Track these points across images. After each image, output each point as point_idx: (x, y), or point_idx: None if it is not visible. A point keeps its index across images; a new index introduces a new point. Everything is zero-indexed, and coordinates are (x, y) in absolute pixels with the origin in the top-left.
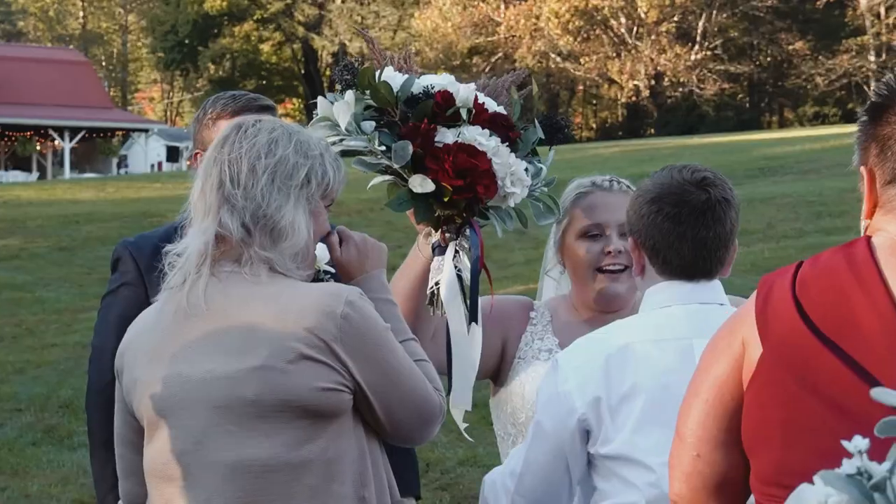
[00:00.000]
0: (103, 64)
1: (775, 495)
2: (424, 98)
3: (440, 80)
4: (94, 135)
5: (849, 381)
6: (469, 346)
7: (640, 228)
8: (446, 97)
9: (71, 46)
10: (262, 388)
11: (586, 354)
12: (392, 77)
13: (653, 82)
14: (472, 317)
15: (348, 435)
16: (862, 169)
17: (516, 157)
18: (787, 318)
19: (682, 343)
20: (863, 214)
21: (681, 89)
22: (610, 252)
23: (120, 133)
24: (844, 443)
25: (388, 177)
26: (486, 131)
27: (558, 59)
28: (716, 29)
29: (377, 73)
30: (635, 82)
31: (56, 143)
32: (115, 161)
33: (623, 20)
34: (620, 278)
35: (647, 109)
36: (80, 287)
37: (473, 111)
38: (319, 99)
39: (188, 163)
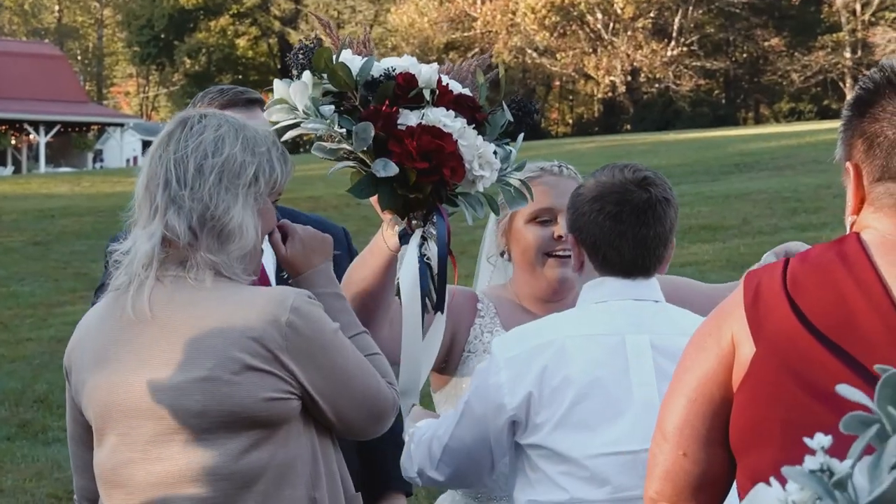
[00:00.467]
0: (79, 58)
1: None
2: (385, 80)
3: (401, 63)
4: (70, 129)
5: (850, 381)
6: (423, 339)
7: (581, 226)
8: (408, 78)
9: (46, 40)
10: (208, 400)
11: (520, 346)
12: (350, 60)
13: (629, 78)
14: (439, 306)
15: (298, 439)
16: (848, 164)
17: (484, 140)
18: (781, 316)
19: (615, 338)
20: (848, 210)
21: (657, 85)
22: (561, 237)
23: (95, 127)
24: (807, 440)
25: (349, 163)
26: (451, 112)
27: (534, 54)
28: (692, 25)
29: (334, 57)
30: (611, 78)
31: (31, 137)
32: (90, 155)
33: (599, 16)
34: (570, 263)
35: (623, 105)
36: (56, 281)
37: (437, 93)
38: (275, 81)
39: None
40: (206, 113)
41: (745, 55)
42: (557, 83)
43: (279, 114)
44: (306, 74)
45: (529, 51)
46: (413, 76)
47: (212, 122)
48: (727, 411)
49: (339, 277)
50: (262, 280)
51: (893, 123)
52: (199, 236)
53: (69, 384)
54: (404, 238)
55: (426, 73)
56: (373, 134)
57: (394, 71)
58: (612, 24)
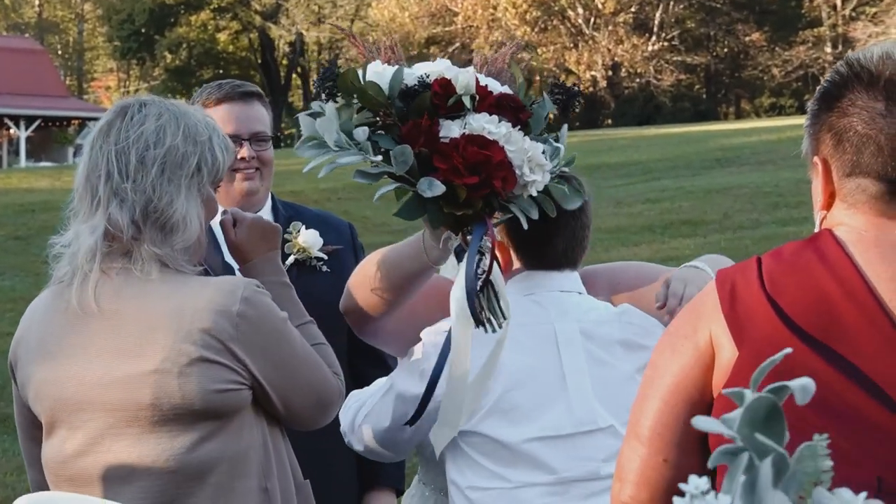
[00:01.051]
0: (59, 52)
1: None
2: (420, 90)
3: (435, 67)
4: (50, 123)
5: (839, 383)
6: (470, 364)
7: (508, 227)
8: (445, 85)
9: (27, 35)
10: (158, 393)
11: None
12: (380, 73)
13: (610, 73)
14: (498, 324)
15: (249, 429)
16: (816, 159)
17: (530, 139)
18: (764, 319)
19: (545, 327)
20: (818, 205)
21: (638, 80)
22: None
23: (76, 122)
24: (682, 485)
25: (394, 185)
26: (494, 117)
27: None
28: (673, 20)
29: (360, 73)
30: (592, 73)
31: (11, 131)
32: (71, 150)
33: (580, 10)
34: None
35: (604, 100)
36: (36, 276)
37: (477, 97)
38: (301, 117)
39: None
40: (146, 101)
41: (725, 50)
42: (538, 78)
43: (311, 150)
44: (329, 108)
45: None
46: (449, 82)
47: (152, 111)
48: (706, 414)
49: (343, 271)
50: (228, 269)
51: (863, 118)
52: (143, 229)
53: (15, 379)
54: (461, 255)
55: (464, 78)
56: (412, 155)
57: (428, 77)
58: (592, 19)
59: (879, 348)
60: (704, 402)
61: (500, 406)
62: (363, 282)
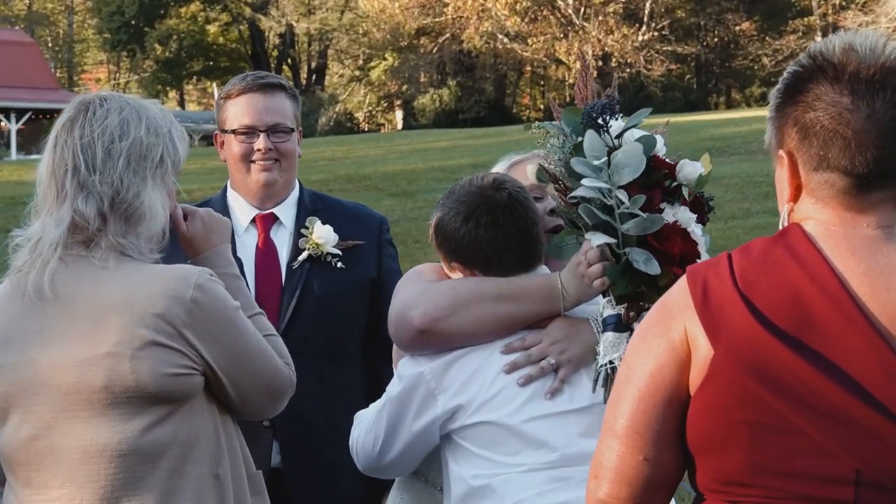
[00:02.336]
0: (49, 45)
1: (743, 493)
2: (656, 169)
3: (646, 137)
4: (41, 116)
5: (814, 378)
6: None
7: (463, 249)
8: (669, 168)
9: (17, 27)
10: (111, 375)
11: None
12: (634, 146)
13: (600, 63)
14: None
15: (201, 415)
16: (781, 152)
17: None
18: (739, 317)
19: None
20: (784, 198)
21: (628, 70)
22: (553, 211)
23: None
24: None
25: (603, 238)
26: (694, 215)
27: (506, 39)
28: (662, 10)
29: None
30: None
31: (2, 124)
32: None
33: (570, 1)
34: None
35: (594, 90)
36: None
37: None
38: (589, 134)
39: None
40: (105, 96)
41: (716, 40)
42: (528, 69)
43: (581, 166)
44: (616, 123)
45: (500, 36)
46: (674, 167)
47: (113, 106)
48: (683, 412)
49: (359, 267)
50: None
51: (830, 113)
52: (109, 220)
53: None
54: (611, 325)
55: (689, 171)
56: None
57: (650, 151)
58: (582, 9)
59: (854, 343)
60: (681, 400)
61: (494, 398)
62: (465, 326)
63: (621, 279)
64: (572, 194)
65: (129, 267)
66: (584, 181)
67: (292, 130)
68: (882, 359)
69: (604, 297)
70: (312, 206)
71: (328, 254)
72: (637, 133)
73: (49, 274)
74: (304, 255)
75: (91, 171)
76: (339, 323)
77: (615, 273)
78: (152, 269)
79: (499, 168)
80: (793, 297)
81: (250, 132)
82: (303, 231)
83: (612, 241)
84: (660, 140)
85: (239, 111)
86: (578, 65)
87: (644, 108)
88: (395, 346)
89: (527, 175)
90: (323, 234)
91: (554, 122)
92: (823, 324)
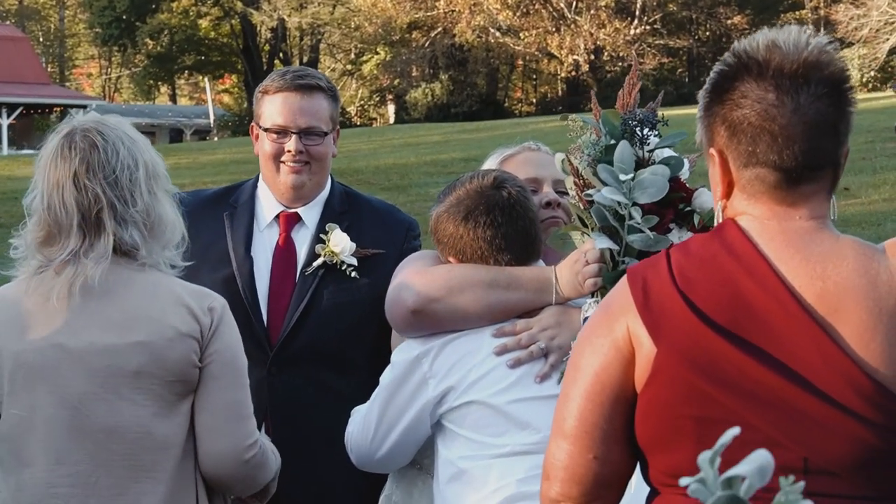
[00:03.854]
0: (41, 40)
1: None
2: (675, 190)
3: (675, 159)
4: (32, 111)
5: (757, 371)
6: None
7: (462, 248)
8: (687, 192)
9: (8, 22)
10: (142, 361)
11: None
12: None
13: (592, 57)
14: None
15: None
16: (711, 150)
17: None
18: (679, 315)
19: None
20: (717, 195)
21: (620, 64)
22: (549, 203)
23: (58, 109)
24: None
25: (607, 241)
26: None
27: (498, 33)
28: (654, 3)
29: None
30: (575, 57)
31: None
32: None
33: None
34: (562, 225)
35: (586, 84)
36: None
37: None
38: (623, 145)
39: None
40: (90, 128)
41: (707, 33)
42: (521, 63)
43: (606, 174)
44: (655, 139)
45: (493, 30)
46: (691, 193)
47: (111, 136)
48: (630, 409)
49: (378, 275)
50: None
51: (756, 110)
52: (146, 243)
53: None
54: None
55: (705, 201)
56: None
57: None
58: (574, 3)
59: (793, 334)
60: (627, 398)
61: (482, 379)
62: (457, 309)
63: (613, 285)
64: (588, 192)
65: (158, 274)
66: (604, 189)
67: (326, 134)
68: (821, 348)
69: (591, 297)
70: (340, 207)
71: (343, 262)
72: (667, 153)
73: (80, 279)
74: (319, 261)
75: (127, 204)
76: (347, 333)
77: (609, 278)
78: (177, 279)
79: (490, 163)
80: (732, 292)
81: (282, 133)
82: (322, 236)
83: (615, 247)
84: (686, 164)
85: (274, 110)
86: (620, 65)
87: (671, 129)
88: (393, 332)
89: (519, 168)
90: (340, 243)
91: (590, 117)
92: (763, 317)
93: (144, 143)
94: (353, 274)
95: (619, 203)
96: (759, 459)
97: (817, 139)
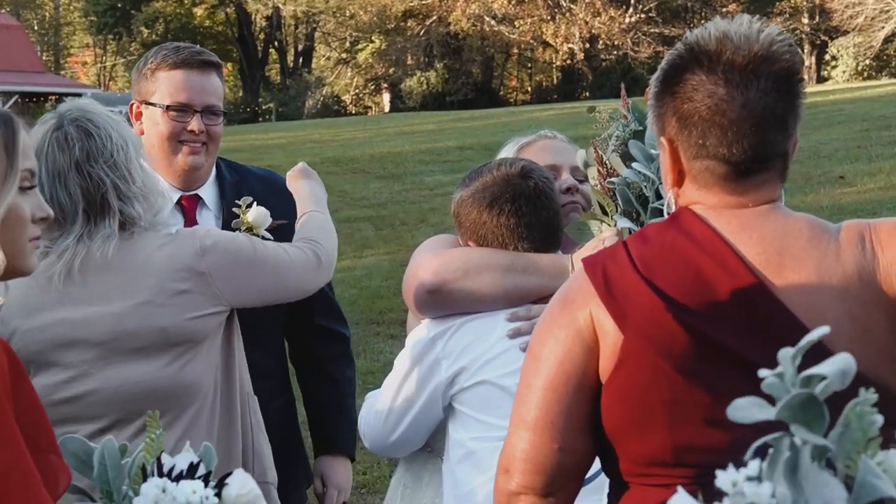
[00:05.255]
0: (35, 28)
1: (667, 474)
2: None
3: None
4: (27, 99)
5: (721, 354)
6: None
7: (484, 234)
8: None
9: (2, 11)
10: (144, 322)
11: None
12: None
13: (587, 45)
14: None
15: (216, 355)
16: (662, 139)
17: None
18: (644, 300)
19: None
20: (668, 183)
21: (615, 52)
22: (569, 189)
23: (53, 98)
24: (721, 474)
25: (627, 223)
26: None
27: (493, 22)
28: None
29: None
30: (570, 45)
31: None
32: None
33: None
34: (581, 214)
35: (581, 72)
36: None
37: None
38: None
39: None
40: (77, 116)
41: (703, 21)
42: (516, 51)
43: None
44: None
45: (488, 18)
46: None
47: (100, 122)
48: (593, 399)
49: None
50: None
51: (706, 104)
52: (144, 214)
53: None
54: None
55: None
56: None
57: None
58: None
59: (757, 318)
60: (591, 387)
61: (493, 360)
62: (473, 291)
63: None
64: (611, 180)
65: (149, 236)
66: (634, 164)
67: (224, 113)
68: (788, 324)
69: None
70: (232, 177)
71: (262, 236)
72: None
73: (82, 254)
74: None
75: (127, 182)
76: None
77: None
78: (167, 234)
79: (507, 151)
80: (694, 275)
81: (183, 110)
82: (235, 210)
83: (635, 228)
84: None
85: (174, 86)
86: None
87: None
88: (409, 315)
89: (537, 155)
90: (258, 218)
91: (616, 107)
92: (726, 301)
93: (123, 121)
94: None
95: (646, 179)
96: (841, 362)
97: (766, 133)
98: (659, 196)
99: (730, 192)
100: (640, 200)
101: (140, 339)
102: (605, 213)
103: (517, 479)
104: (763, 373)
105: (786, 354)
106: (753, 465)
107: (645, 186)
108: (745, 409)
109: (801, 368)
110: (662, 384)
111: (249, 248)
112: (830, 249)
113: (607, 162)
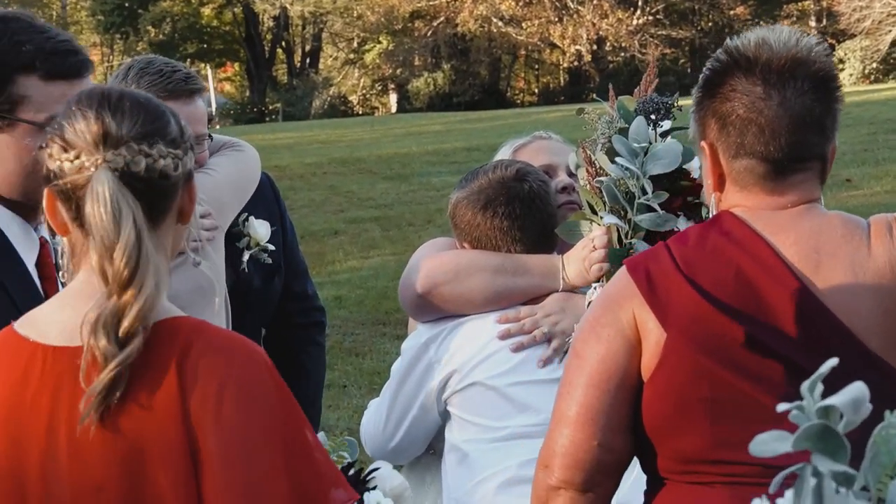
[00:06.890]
0: None
1: (706, 472)
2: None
3: (686, 148)
4: None
5: (762, 351)
6: None
7: (478, 236)
8: (695, 186)
9: (10, 9)
10: None
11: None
12: (669, 147)
13: (594, 47)
14: None
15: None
16: (703, 143)
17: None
18: (686, 298)
19: None
20: (709, 187)
21: (622, 54)
22: (565, 188)
23: None
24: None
25: (615, 220)
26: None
27: (500, 23)
28: None
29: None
30: (577, 47)
31: None
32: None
33: None
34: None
35: (588, 74)
36: None
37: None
38: (639, 120)
39: None
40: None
41: (710, 24)
42: (523, 52)
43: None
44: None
45: (495, 20)
46: (700, 187)
47: None
48: (634, 397)
49: (276, 253)
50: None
51: (743, 102)
52: None
53: None
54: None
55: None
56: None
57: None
58: None
59: (801, 318)
60: (632, 385)
61: (485, 361)
62: (464, 293)
63: (619, 263)
64: (600, 179)
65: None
66: (618, 159)
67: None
68: (828, 322)
69: (597, 283)
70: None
71: (266, 249)
72: (679, 144)
73: None
74: (247, 256)
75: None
76: (257, 312)
77: (615, 256)
78: None
79: (503, 153)
80: (735, 275)
81: None
82: (239, 229)
83: (623, 225)
84: (695, 162)
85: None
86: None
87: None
88: (409, 320)
89: (533, 156)
90: (261, 232)
91: (605, 105)
92: (768, 299)
93: None
94: (268, 259)
95: (630, 174)
96: (853, 392)
97: (803, 132)
98: (644, 192)
99: (769, 191)
100: (626, 197)
101: None
102: (594, 212)
103: (557, 474)
104: (781, 407)
105: (805, 387)
106: (788, 496)
107: (630, 183)
108: (766, 444)
109: (841, 374)
110: (704, 382)
111: None
112: (863, 245)
113: (595, 161)
